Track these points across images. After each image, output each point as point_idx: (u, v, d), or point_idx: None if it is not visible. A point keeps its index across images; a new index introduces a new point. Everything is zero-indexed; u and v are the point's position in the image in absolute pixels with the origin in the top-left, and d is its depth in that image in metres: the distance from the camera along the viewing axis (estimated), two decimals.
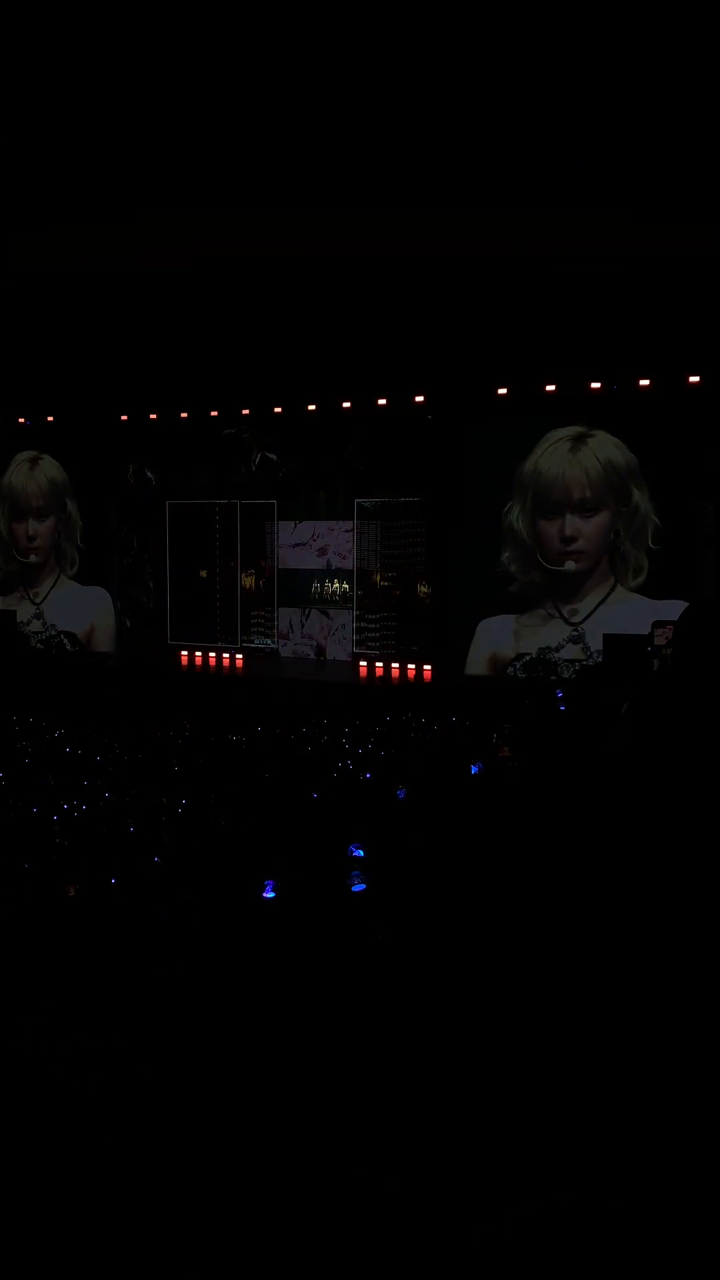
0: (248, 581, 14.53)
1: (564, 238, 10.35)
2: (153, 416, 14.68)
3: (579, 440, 11.97)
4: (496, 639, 12.70)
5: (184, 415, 14.45)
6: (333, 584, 13.98)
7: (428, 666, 13.16)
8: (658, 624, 10.63)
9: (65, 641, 15.61)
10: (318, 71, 9.17)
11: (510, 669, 12.54)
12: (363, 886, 5.06)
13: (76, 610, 15.58)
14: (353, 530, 13.69)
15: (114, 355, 13.85)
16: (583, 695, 9.94)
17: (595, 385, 11.88)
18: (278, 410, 13.82)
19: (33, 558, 15.69)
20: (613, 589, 12.01)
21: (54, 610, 15.76)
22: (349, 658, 13.84)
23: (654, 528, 11.61)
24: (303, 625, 14.26)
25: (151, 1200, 2.39)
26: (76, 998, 3.87)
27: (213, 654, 14.65)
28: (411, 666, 13.29)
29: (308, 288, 12.05)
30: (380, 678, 13.49)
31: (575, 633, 12.19)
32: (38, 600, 15.81)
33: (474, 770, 7.63)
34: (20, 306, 13.30)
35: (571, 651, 12.24)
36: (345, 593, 13.91)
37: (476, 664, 12.84)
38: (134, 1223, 2.31)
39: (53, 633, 15.70)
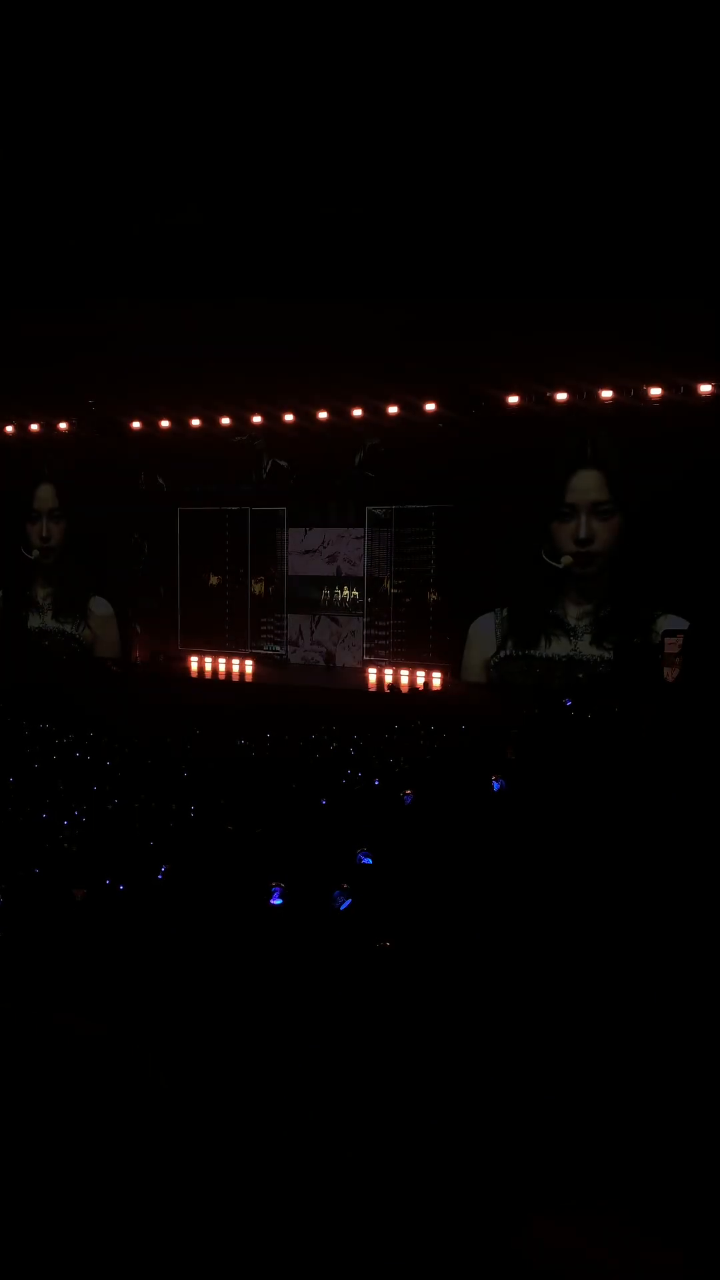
0: (258, 588, 14.59)
1: (572, 248, 10.39)
2: (164, 424, 14.73)
3: None
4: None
5: (196, 423, 14.50)
6: (342, 590, 14.02)
7: (437, 674, 13.15)
8: (668, 633, 10.63)
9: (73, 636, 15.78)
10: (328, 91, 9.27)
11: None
12: (349, 903, 5.06)
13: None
14: (363, 538, 13.74)
15: (124, 360, 13.90)
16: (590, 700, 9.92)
17: (607, 395, 11.88)
18: (289, 418, 13.86)
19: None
20: None
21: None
22: (359, 664, 13.86)
23: None
24: (313, 632, 14.30)
25: (155, 1201, 2.39)
26: (82, 999, 3.89)
27: (222, 660, 14.70)
28: (421, 673, 13.29)
29: (319, 292, 12.08)
30: (390, 684, 13.49)
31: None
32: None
33: (496, 787, 7.61)
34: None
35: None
36: (355, 599, 13.94)
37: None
38: (136, 1223, 2.32)
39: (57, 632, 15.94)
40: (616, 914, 4.47)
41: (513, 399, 12.31)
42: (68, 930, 5.03)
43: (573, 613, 12.26)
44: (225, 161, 10.72)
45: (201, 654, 14.85)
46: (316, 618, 14.26)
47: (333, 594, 14.10)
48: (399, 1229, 2.42)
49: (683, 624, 10.68)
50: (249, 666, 14.51)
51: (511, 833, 6.13)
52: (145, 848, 6.74)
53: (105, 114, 9.95)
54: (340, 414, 13.54)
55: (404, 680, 13.36)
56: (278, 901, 5.35)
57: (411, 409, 13.07)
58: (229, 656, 14.66)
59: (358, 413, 13.41)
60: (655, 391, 11.55)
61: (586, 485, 12.06)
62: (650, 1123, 2.83)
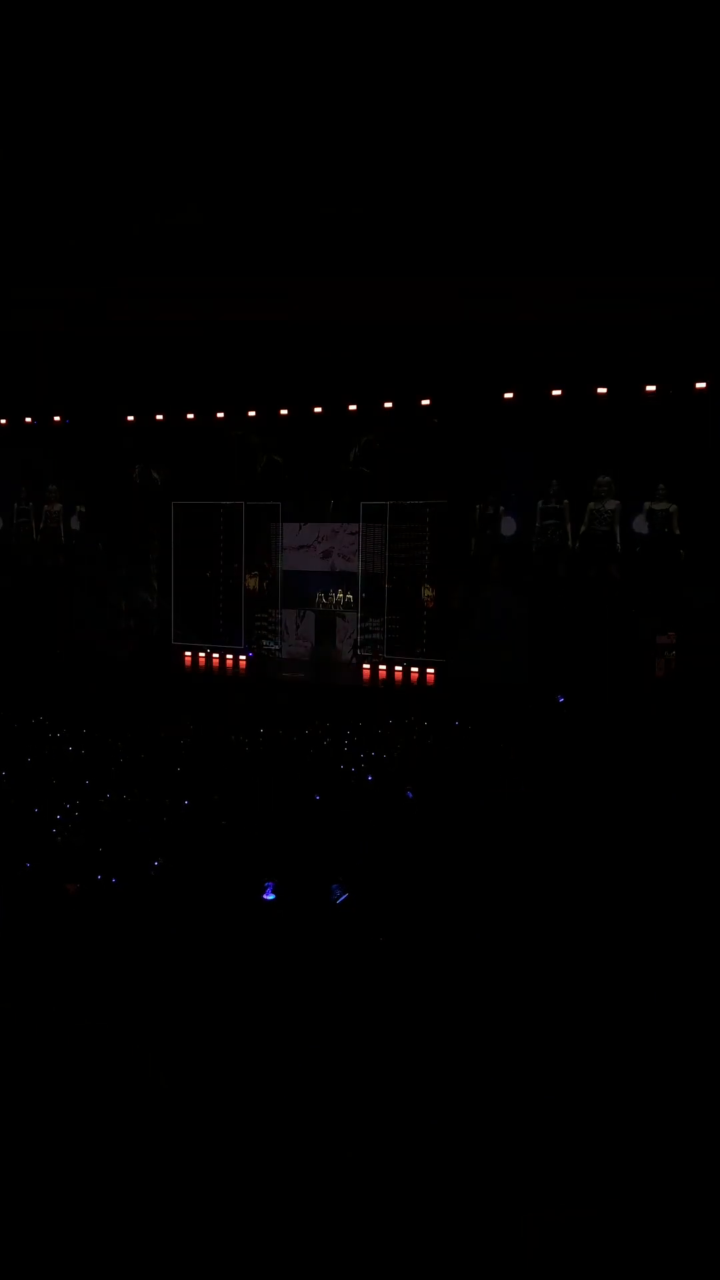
0: (251, 583, 14.56)
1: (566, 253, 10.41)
2: (159, 417, 14.67)
3: None
4: None
5: (190, 416, 14.45)
6: (336, 594, 14.00)
7: (430, 670, 13.17)
8: (660, 630, 10.72)
9: None
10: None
11: None
12: (345, 897, 5.06)
13: None
14: (358, 533, 13.71)
15: (120, 356, 13.84)
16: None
17: (600, 390, 11.88)
18: (284, 413, 13.83)
19: None
20: None
21: None
22: (352, 660, 13.86)
23: None
24: (297, 626, 14.30)
25: (152, 1199, 2.38)
26: (77, 995, 3.87)
27: (216, 655, 14.68)
28: (415, 670, 13.30)
29: (315, 289, 12.05)
30: (384, 680, 13.49)
31: None
32: None
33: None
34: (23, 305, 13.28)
35: None
36: (349, 601, 13.93)
37: None
38: (134, 1221, 2.30)
39: None
40: (617, 911, 4.47)
41: (508, 395, 12.33)
42: (62, 925, 5.01)
43: None
44: (225, 161, 10.68)
45: (195, 649, 14.84)
46: (302, 613, 14.27)
47: (327, 596, 14.10)
48: (398, 1227, 2.41)
49: None
50: (243, 661, 14.50)
51: (510, 828, 6.14)
52: (139, 843, 6.73)
53: (104, 115, 9.90)
54: (336, 410, 13.52)
55: (398, 676, 13.38)
56: (270, 897, 5.35)
57: (407, 404, 13.06)
58: (222, 651, 14.65)
59: (352, 407, 13.40)
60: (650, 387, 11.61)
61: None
62: (649, 1121, 2.84)
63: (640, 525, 11.65)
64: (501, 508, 12.57)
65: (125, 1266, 2.18)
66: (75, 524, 15.31)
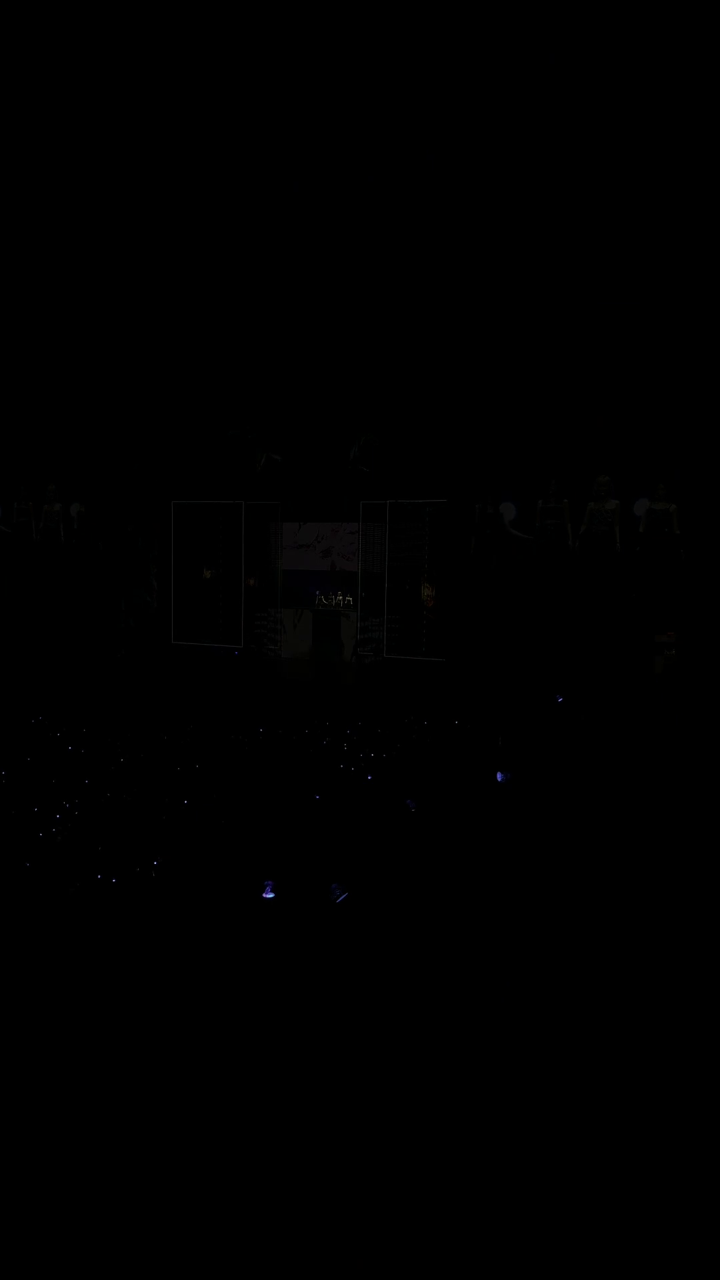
0: (251, 582, 14.57)
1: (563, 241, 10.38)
2: (157, 417, 14.67)
3: None
4: None
5: (188, 415, 14.45)
6: (335, 596, 14.00)
7: (430, 668, 13.18)
8: (659, 628, 10.73)
9: None
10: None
11: None
12: (345, 896, 5.07)
13: None
14: (357, 532, 13.72)
15: (119, 355, 13.85)
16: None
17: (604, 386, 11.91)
18: (283, 411, 13.83)
19: None
20: None
21: None
22: (352, 658, 13.88)
23: None
24: (294, 626, 14.30)
25: (151, 1199, 2.38)
26: (76, 997, 3.88)
27: (215, 655, 14.68)
28: (415, 668, 13.30)
29: (313, 288, 12.06)
30: (382, 677, 13.50)
31: None
32: None
33: (500, 779, 7.67)
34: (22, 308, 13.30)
35: None
36: (349, 603, 13.93)
37: None
38: (134, 1221, 2.30)
39: None
40: (617, 908, 4.47)
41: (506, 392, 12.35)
42: (61, 923, 5.01)
43: None
44: (223, 163, 10.67)
45: (194, 648, 14.84)
46: (299, 613, 14.28)
47: (327, 590, 14.12)
48: (398, 1228, 2.41)
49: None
50: (241, 660, 14.50)
51: (509, 828, 6.13)
52: (139, 842, 6.73)
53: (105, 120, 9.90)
54: (335, 408, 13.52)
55: (397, 674, 13.38)
56: (270, 896, 5.35)
57: (406, 403, 13.07)
58: (222, 651, 14.65)
59: (353, 407, 13.41)
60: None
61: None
62: (649, 1121, 2.83)
63: (640, 520, 11.68)
64: (501, 503, 12.62)
65: (125, 1266, 2.19)
66: (74, 517, 15.29)
